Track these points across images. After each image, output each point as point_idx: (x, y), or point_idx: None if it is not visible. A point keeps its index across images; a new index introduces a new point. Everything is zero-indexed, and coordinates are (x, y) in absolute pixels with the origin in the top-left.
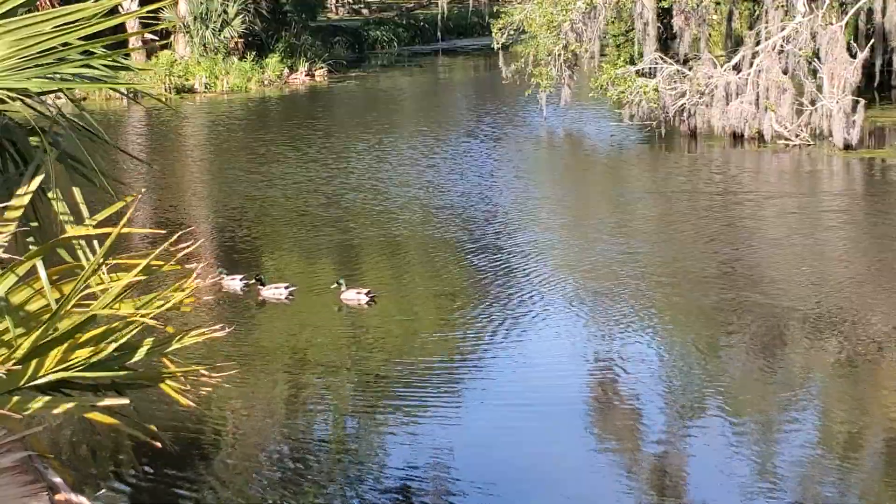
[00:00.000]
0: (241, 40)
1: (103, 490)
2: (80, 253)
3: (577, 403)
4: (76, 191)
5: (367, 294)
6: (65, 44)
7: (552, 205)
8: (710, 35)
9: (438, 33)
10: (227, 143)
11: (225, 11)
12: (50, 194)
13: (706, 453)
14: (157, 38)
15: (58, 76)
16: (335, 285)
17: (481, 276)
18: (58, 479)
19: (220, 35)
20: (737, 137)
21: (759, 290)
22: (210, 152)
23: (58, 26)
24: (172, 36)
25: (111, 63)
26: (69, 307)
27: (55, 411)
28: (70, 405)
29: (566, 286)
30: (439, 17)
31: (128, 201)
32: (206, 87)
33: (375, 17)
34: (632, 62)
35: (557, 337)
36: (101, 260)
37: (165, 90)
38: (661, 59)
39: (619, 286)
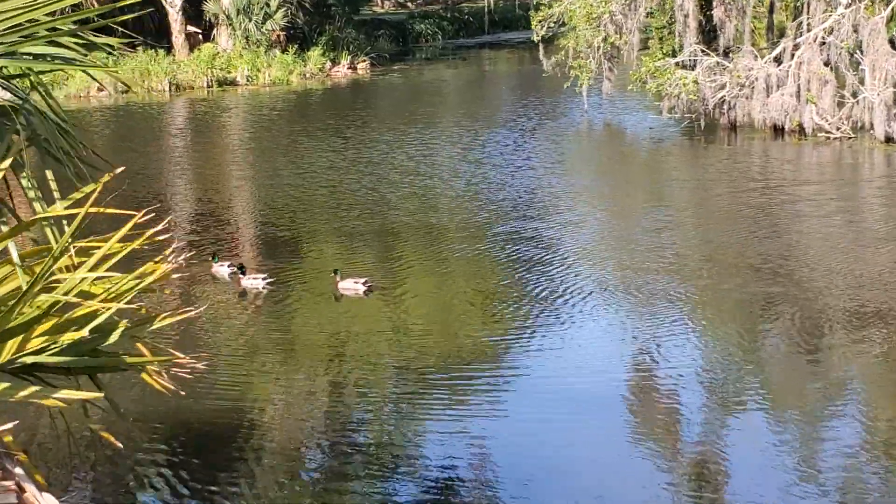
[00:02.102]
0: (284, 33)
1: (75, 491)
2: (49, 235)
3: (616, 397)
4: (48, 173)
5: (364, 283)
6: (31, 21)
7: (591, 196)
8: (753, 27)
9: (484, 26)
10: (267, 135)
11: (267, 4)
12: (21, 175)
13: (746, 448)
14: (199, 30)
15: (24, 56)
16: (332, 274)
17: (520, 267)
18: (24, 476)
19: (262, 28)
20: (777, 130)
21: (800, 283)
22: (250, 143)
23: (26, 4)
24: (215, 29)
25: (80, 41)
26: (37, 289)
27: (27, 398)
28: (32, 390)
29: (605, 278)
30: (485, 9)
31: (100, 182)
32: (247, 80)
33: (420, 10)
34: (673, 54)
35: (596, 329)
36: (68, 242)
37: (207, 83)
38: (702, 51)
39: (658, 278)
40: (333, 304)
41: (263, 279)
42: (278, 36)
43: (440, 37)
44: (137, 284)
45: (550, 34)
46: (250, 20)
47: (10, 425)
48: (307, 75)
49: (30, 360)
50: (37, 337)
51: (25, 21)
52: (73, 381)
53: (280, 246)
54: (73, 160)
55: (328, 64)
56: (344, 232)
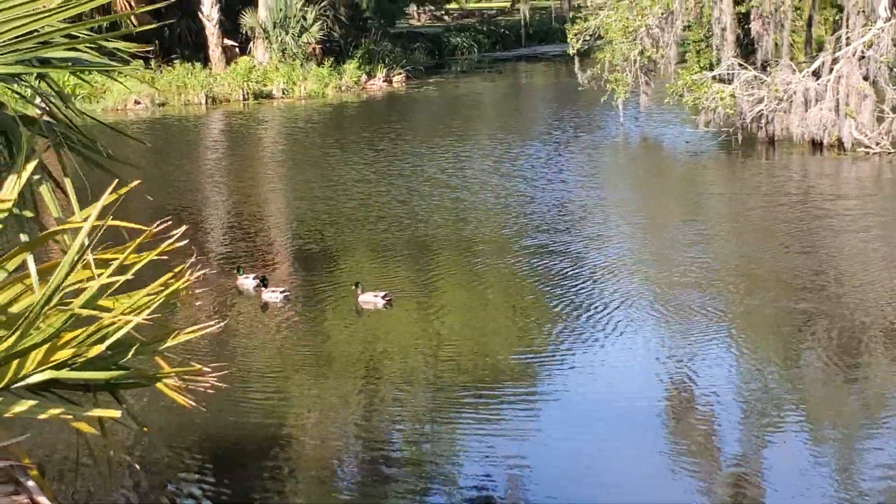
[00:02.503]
0: (320, 46)
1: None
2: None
3: (650, 414)
4: (68, 182)
5: (383, 297)
6: (46, 27)
7: (626, 210)
8: (792, 41)
9: (521, 39)
10: (300, 148)
11: (304, 17)
12: (42, 188)
13: (783, 465)
14: (236, 44)
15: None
16: (353, 287)
17: (551, 281)
18: (39, 492)
19: (298, 41)
20: (816, 145)
21: (836, 299)
22: (283, 156)
23: (38, 11)
24: (252, 42)
25: (94, 47)
26: (52, 304)
27: (40, 416)
28: (57, 411)
29: (639, 292)
30: (521, 23)
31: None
32: (283, 93)
33: (457, 23)
34: (710, 68)
35: (631, 344)
36: (77, 255)
37: (243, 96)
38: (739, 64)
39: (695, 292)
40: (360, 318)
41: (282, 292)
42: (314, 49)
43: (476, 50)
44: (155, 298)
45: (586, 47)
46: (287, 33)
47: (21, 438)
48: (343, 88)
49: (48, 375)
50: (54, 352)
51: (40, 27)
52: (92, 397)
53: (307, 259)
54: (92, 165)
55: (364, 77)
56: (371, 245)
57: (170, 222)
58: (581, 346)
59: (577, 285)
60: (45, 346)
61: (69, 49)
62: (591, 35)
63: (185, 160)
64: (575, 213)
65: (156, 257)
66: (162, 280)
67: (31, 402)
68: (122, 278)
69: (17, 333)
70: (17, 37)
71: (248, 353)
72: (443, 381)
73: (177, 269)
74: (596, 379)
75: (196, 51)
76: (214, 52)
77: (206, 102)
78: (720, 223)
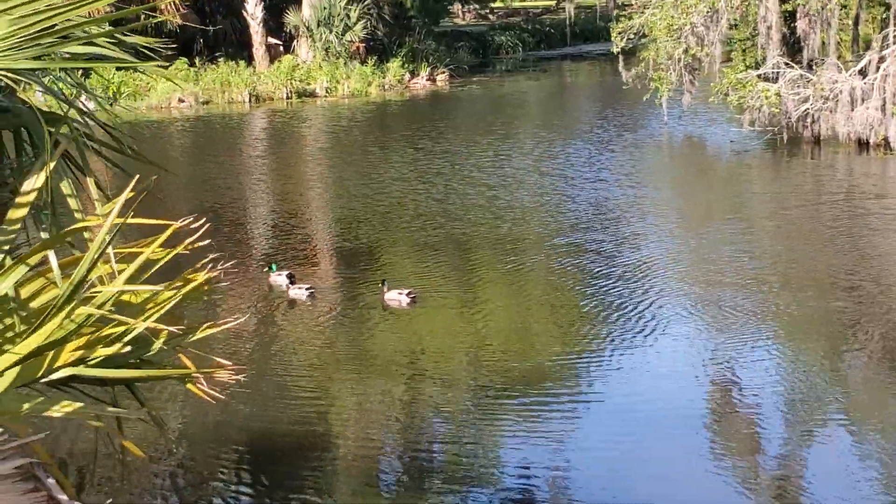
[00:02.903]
0: (363, 45)
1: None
2: (89, 244)
3: (695, 413)
4: (90, 181)
5: (408, 295)
6: (67, 22)
7: (668, 209)
8: (839, 39)
9: (566, 38)
10: (340, 146)
11: (347, 16)
12: (63, 184)
13: (827, 465)
14: (280, 42)
15: (59, 56)
16: (379, 285)
17: (592, 281)
18: (58, 489)
19: (342, 39)
20: (862, 144)
21: (881, 299)
22: (322, 155)
23: (58, 6)
24: (295, 40)
25: (114, 41)
26: (74, 300)
27: (58, 414)
28: (76, 408)
29: (681, 292)
30: (566, 21)
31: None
32: (326, 92)
33: (502, 22)
34: (756, 67)
35: (672, 345)
36: (98, 252)
37: (287, 94)
38: (785, 63)
39: (738, 292)
40: (392, 316)
41: (307, 289)
42: (358, 47)
43: (521, 48)
44: (176, 295)
45: (631, 46)
46: (330, 32)
47: (41, 435)
48: (386, 87)
49: (67, 371)
50: (74, 349)
51: (60, 22)
52: (111, 393)
53: (340, 256)
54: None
55: (407, 76)
56: (405, 243)
57: (193, 219)
58: (620, 347)
59: (615, 284)
60: (65, 342)
61: (87, 44)
62: (635, 34)
63: (227, 158)
64: (615, 212)
65: (184, 252)
66: (183, 276)
67: (51, 399)
68: (146, 274)
69: (39, 329)
70: (37, 31)
71: (272, 351)
72: (480, 380)
73: (197, 265)
74: (636, 380)
75: (240, 49)
76: (258, 51)
77: (250, 101)
78: (763, 222)
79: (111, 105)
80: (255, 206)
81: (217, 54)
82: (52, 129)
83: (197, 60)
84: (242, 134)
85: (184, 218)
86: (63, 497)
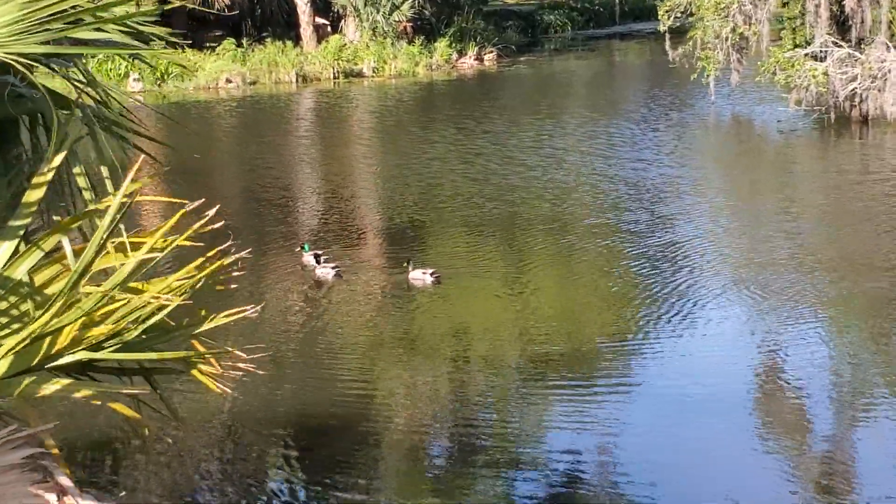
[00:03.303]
0: (410, 24)
1: (123, 493)
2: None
3: (741, 396)
4: (103, 168)
5: (431, 274)
6: (74, 7)
7: (716, 189)
8: (891, 17)
9: (615, 17)
10: (385, 126)
11: None
12: (76, 170)
13: (875, 449)
14: (327, 22)
15: (67, 42)
16: (404, 265)
17: (637, 261)
18: (66, 479)
19: (389, 19)
20: None
21: None
22: (368, 134)
23: None
24: (343, 20)
25: (125, 28)
26: (82, 282)
27: (73, 395)
28: (89, 391)
29: (727, 272)
30: (616, 0)
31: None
32: (373, 72)
33: (551, 1)
34: (806, 45)
35: (718, 326)
36: (106, 233)
37: (334, 74)
38: (833, 42)
39: (784, 273)
40: (434, 296)
41: (333, 268)
42: (405, 27)
43: (569, 27)
44: (190, 281)
45: (678, 24)
46: (378, 11)
47: (50, 426)
48: (433, 67)
49: (81, 356)
50: (86, 333)
51: (70, 7)
52: (127, 383)
53: (375, 236)
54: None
55: (454, 55)
56: (441, 223)
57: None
58: (665, 329)
59: (658, 265)
60: (77, 325)
61: (97, 30)
62: (682, 12)
63: (272, 138)
64: (657, 192)
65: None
66: (196, 263)
67: (65, 381)
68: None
69: (50, 311)
70: (47, 16)
71: (301, 332)
72: (523, 362)
73: (208, 254)
74: (681, 363)
75: (288, 29)
76: (306, 31)
77: (297, 81)
78: (809, 202)
79: (159, 86)
80: (298, 186)
81: (264, 35)
82: (66, 114)
83: (244, 41)
84: (288, 114)
85: (198, 203)
86: (71, 485)
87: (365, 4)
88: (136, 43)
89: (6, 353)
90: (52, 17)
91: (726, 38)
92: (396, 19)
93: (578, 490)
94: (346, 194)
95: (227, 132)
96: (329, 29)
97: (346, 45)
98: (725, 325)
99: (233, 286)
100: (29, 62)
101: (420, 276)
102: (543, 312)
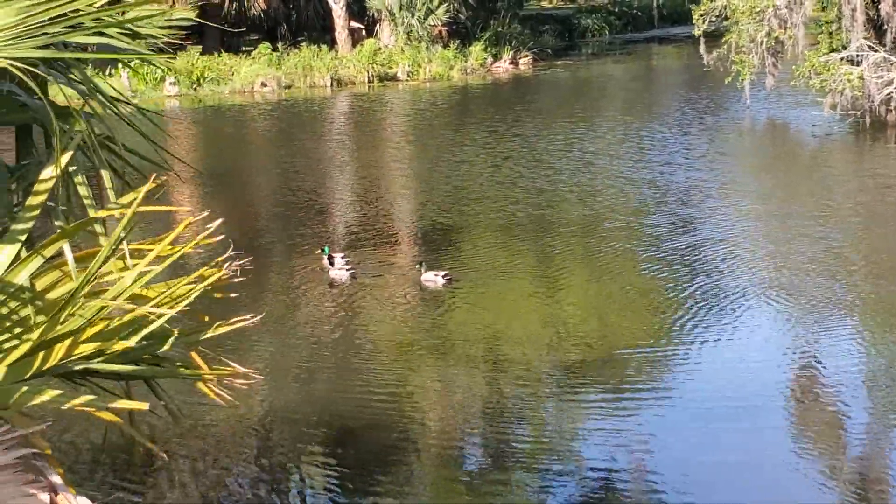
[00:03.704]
0: (445, 28)
1: (115, 495)
2: (101, 237)
3: (776, 403)
4: (104, 173)
5: (443, 276)
6: (75, 11)
7: (746, 193)
8: None
9: (653, 21)
10: (415, 130)
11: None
12: (77, 178)
13: None
14: (362, 26)
15: (67, 46)
16: (417, 266)
17: (674, 266)
18: (58, 479)
19: (424, 23)
20: None
21: None
22: (399, 138)
23: None
24: (378, 24)
25: (126, 31)
26: (85, 291)
27: (65, 406)
28: (83, 401)
29: (762, 276)
30: (653, 4)
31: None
32: (408, 76)
33: (588, 5)
34: (842, 49)
35: (752, 331)
36: (114, 244)
37: (368, 78)
38: (869, 46)
39: (818, 277)
40: (460, 298)
41: (348, 270)
42: (440, 31)
43: (607, 32)
44: (193, 289)
45: (713, 28)
46: (413, 15)
47: (42, 426)
48: (468, 70)
49: (80, 365)
50: (87, 342)
51: (70, 11)
52: (125, 388)
53: (399, 238)
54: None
55: (489, 59)
56: (468, 226)
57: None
58: (699, 335)
59: (690, 269)
60: (77, 334)
61: (97, 34)
62: (717, 16)
63: (305, 141)
64: (695, 196)
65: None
66: (199, 272)
67: (58, 392)
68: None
69: (51, 319)
70: (45, 20)
71: (330, 335)
72: (555, 368)
73: (212, 262)
74: (716, 369)
75: (323, 33)
76: (341, 35)
77: (331, 85)
78: (846, 208)
79: (195, 90)
80: (327, 189)
81: (300, 39)
82: (68, 126)
83: (280, 45)
84: (321, 117)
85: (207, 212)
86: (63, 484)
87: (400, 9)
88: (139, 48)
89: (4, 362)
90: (51, 21)
91: (761, 42)
92: (431, 23)
93: (613, 498)
94: (373, 197)
95: (260, 135)
96: (364, 33)
97: (380, 49)
98: (758, 330)
99: (233, 295)
100: (26, 67)
101: (432, 278)
102: (573, 316)
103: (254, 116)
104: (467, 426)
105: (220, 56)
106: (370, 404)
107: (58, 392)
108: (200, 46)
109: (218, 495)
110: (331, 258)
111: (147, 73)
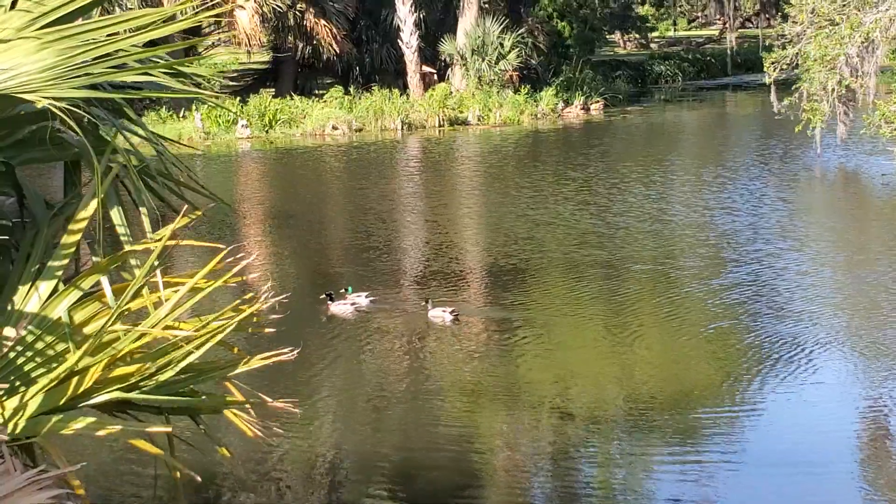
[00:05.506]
0: (517, 73)
1: None
2: (136, 270)
3: (851, 456)
4: (142, 210)
5: (451, 313)
6: (118, 51)
7: (819, 242)
8: None
9: (727, 68)
10: (487, 175)
11: (501, 45)
12: (113, 212)
13: None
14: (434, 70)
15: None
16: (423, 303)
17: (745, 314)
18: None
19: (495, 68)
20: None
21: None
22: (469, 182)
23: (112, 34)
24: (450, 69)
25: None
26: (114, 324)
27: (98, 433)
28: (114, 429)
29: (834, 325)
30: (727, 51)
31: (193, 216)
32: (478, 120)
33: (662, 51)
34: None
35: (826, 381)
36: (145, 276)
37: (439, 122)
38: None
39: (888, 328)
40: (525, 342)
41: (352, 304)
42: (511, 76)
43: (680, 78)
44: (227, 324)
45: (784, 76)
46: (483, 60)
47: (77, 466)
48: (538, 115)
49: (114, 396)
50: (120, 374)
51: (113, 51)
52: (165, 420)
53: (459, 279)
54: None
55: (560, 104)
56: (534, 268)
57: (236, 246)
58: (773, 384)
59: (770, 319)
60: (109, 364)
61: (142, 74)
62: (788, 64)
63: (373, 183)
64: (767, 243)
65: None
66: (233, 305)
67: (90, 419)
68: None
69: (83, 350)
70: (88, 60)
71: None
72: (619, 414)
73: (247, 297)
74: (788, 422)
75: (395, 77)
76: (413, 79)
77: (402, 128)
78: None
79: (267, 132)
80: (388, 231)
81: (372, 83)
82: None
83: (352, 88)
84: (390, 160)
85: (231, 247)
86: None
87: (472, 53)
88: (185, 87)
89: (38, 392)
90: (94, 62)
91: (832, 91)
92: (503, 68)
93: None
94: (442, 240)
95: (328, 178)
96: (436, 77)
97: (451, 93)
98: (832, 381)
99: (268, 330)
100: (67, 107)
101: (440, 314)
102: (642, 361)
103: (323, 158)
104: (534, 469)
105: (292, 99)
106: (439, 445)
107: (91, 419)
108: (273, 89)
109: None
110: (330, 295)
111: (219, 116)
